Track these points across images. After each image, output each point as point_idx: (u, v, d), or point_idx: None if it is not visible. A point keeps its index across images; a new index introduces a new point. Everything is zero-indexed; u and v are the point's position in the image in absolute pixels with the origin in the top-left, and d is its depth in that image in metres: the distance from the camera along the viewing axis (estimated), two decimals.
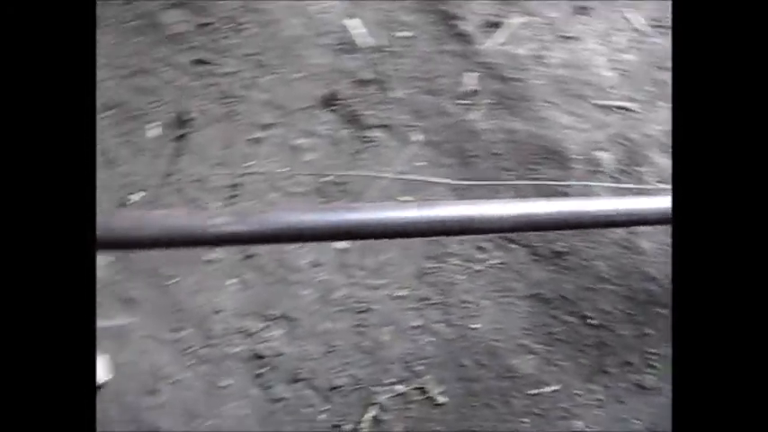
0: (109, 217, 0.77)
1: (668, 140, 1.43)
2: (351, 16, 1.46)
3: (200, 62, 1.46)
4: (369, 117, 1.42)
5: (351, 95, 1.42)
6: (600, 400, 1.28)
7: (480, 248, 1.37)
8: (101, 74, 1.47)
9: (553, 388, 1.31)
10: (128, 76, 1.45)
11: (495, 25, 1.46)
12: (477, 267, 1.36)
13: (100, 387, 1.33)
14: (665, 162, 1.42)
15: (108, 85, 1.46)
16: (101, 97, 1.45)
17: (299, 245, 1.36)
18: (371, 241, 1.37)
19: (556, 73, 1.43)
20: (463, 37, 1.46)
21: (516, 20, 1.47)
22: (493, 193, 1.36)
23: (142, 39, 1.48)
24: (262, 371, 1.33)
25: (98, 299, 1.36)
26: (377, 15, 1.48)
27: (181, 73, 1.44)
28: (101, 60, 1.47)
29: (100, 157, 1.41)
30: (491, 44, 1.45)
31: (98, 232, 0.77)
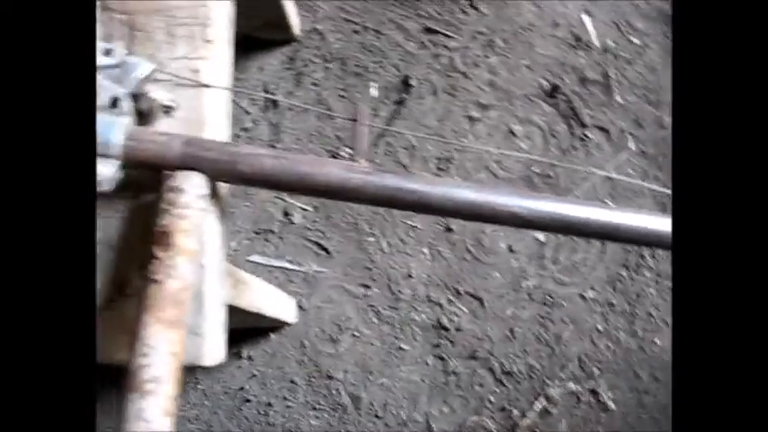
0: (404, 177, 0.79)
1: None
2: (587, 13, 1.46)
3: (430, 30, 1.47)
4: (587, 116, 1.42)
5: (573, 92, 1.42)
6: None
7: None
8: (326, 25, 1.49)
9: None
10: (355, 33, 1.47)
11: None
12: (670, 284, 1.36)
13: (287, 326, 1.38)
14: None
15: (334, 38, 1.48)
16: (322, 48, 1.48)
17: (497, 228, 1.37)
18: (568, 238, 1.38)
19: None
20: None
21: None
22: None
23: None
24: (441, 342, 1.36)
25: (296, 241, 1.40)
26: (612, 17, 1.47)
27: (408, 38, 1.46)
28: (329, 12, 1.50)
29: (318, 106, 1.44)
30: None
31: (369, 189, 0.79)
